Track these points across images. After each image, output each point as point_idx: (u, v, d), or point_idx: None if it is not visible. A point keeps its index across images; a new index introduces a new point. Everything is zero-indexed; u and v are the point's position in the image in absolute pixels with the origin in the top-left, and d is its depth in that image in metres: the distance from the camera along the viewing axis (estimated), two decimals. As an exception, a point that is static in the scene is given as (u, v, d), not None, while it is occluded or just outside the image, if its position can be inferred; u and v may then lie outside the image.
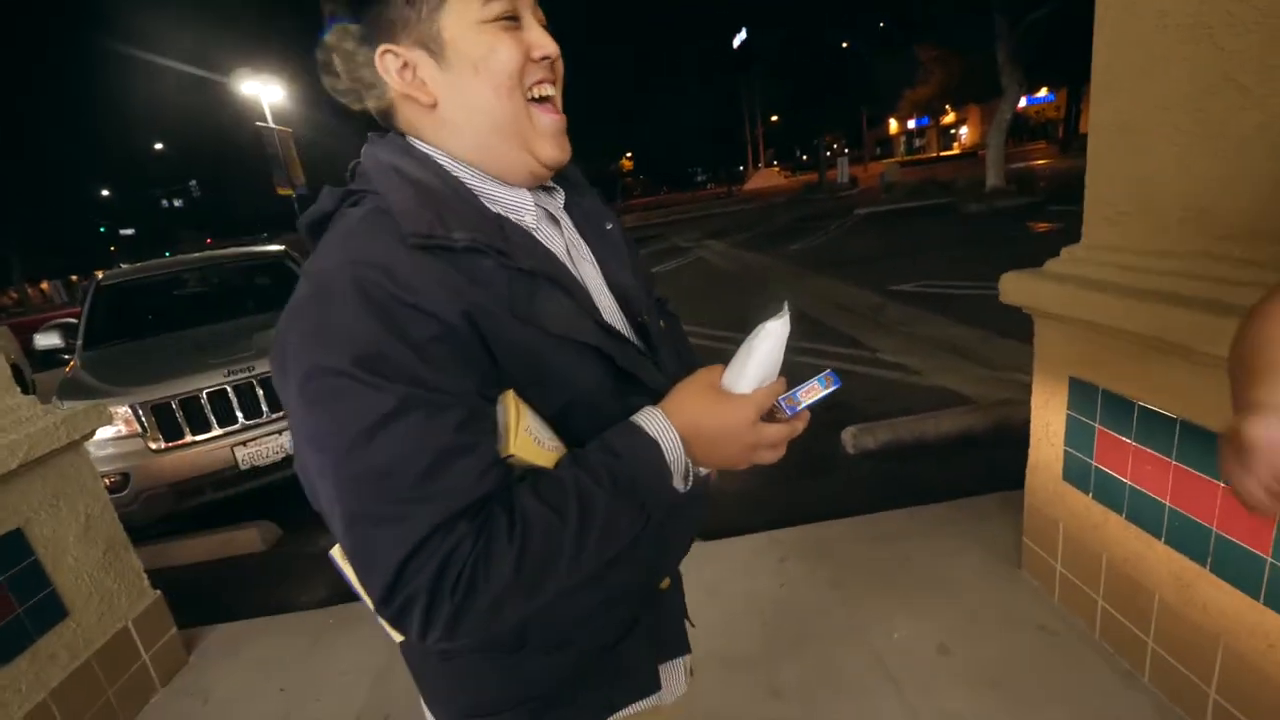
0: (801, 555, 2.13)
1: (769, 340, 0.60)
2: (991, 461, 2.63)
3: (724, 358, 0.64)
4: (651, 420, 0.59)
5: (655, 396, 0.64)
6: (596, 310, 0.63)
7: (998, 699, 1.51)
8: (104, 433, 2.83)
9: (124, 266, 4.53)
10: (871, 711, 1.53)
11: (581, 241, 0.72)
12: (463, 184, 0.62)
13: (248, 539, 2.94)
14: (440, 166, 0.62)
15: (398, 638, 0.65)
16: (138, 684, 1.90)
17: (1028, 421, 1.79)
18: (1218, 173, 1.20)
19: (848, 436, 3.12)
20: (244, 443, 3.06)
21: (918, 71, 24.87)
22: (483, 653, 0.67)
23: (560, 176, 0.74)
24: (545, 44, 0.62)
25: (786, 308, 0.60)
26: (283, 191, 11.46)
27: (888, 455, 3.00)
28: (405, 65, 0.60)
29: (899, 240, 9.88)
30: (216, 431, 3.03)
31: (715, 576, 2.08)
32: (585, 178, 0.78)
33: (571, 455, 0.58)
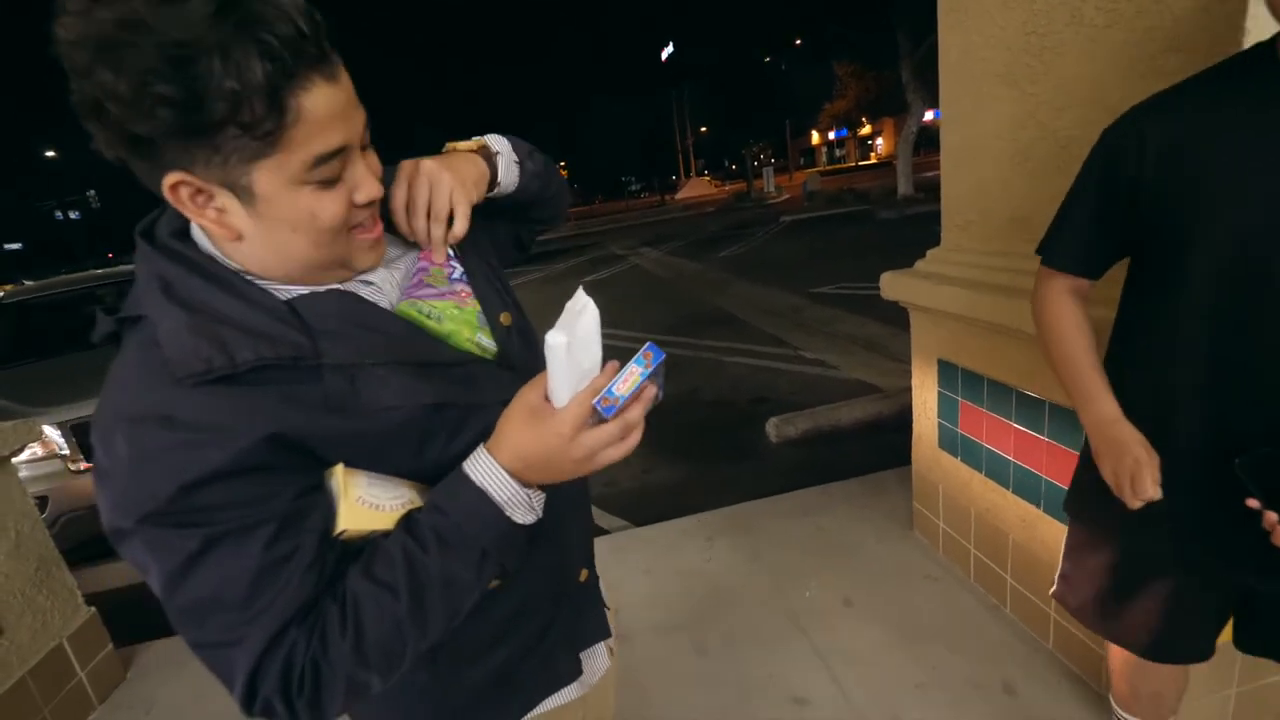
0: (726, 533, 2.35)
1: (557, 351, 0.54)
2: (896, 443, 2.94)
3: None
4: (478, 465, 0.58)
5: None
6: (435, 352, 0.62)
7: (891, 638, 1.76)
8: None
9: (28, 284, 4.32)
10: (785, 656, 1.74)
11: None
12: (244, 281, 0.55)
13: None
14: (219, 265, 0.55)
15: None
16: (75, 701, 1.89)
17: (923, 404, 2.07)
18: (1029, 189, 1.49)
19: (771, 427, 3.39)
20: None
21: (835, 86, 26.21)
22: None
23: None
24: (369, 189, 0.56)
25: (581, 291, 0.57)
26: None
27: (807, 442, 3.28)
28: (202, 193, 0.50)
29: (820, 245, 10.50)
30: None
31: (648, 558, 2.26)
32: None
33: (405, 521, 0.57)
